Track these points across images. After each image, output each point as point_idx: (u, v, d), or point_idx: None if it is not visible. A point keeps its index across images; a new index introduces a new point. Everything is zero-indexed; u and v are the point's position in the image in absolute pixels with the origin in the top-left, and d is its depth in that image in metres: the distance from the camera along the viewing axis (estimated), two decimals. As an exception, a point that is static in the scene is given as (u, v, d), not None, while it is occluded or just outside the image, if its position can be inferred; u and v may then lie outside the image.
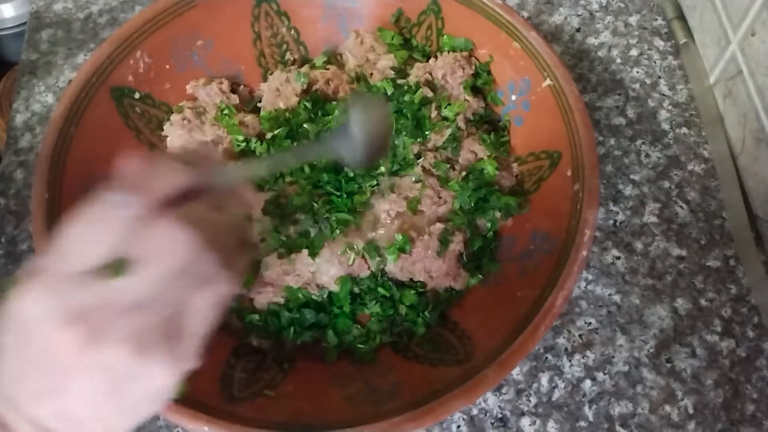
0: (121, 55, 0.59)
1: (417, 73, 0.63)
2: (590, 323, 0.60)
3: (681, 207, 0.66)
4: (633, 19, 0.78)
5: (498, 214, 0.58)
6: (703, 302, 0.61)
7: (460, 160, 0.61)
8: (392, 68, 0.64)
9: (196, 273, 0.33)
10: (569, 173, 0.53)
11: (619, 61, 0.75)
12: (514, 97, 0.62)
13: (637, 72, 0.74)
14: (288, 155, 0.48)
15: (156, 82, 0.62)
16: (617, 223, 0.65)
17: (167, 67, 0.63)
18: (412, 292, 0.56)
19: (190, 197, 0.35)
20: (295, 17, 0.67)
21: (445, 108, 0.61)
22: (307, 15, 0.67)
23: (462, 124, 0.61)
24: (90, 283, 0.31)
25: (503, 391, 0.57)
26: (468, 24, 0.63)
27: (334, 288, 0.56)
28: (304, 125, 0.61)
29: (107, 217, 0.32)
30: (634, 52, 0.76)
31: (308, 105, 0.62)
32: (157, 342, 0.32)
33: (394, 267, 0.56)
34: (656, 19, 0.78)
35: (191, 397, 0.46)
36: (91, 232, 0.32)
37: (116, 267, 0.31)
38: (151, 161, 0.35)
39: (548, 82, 0.57)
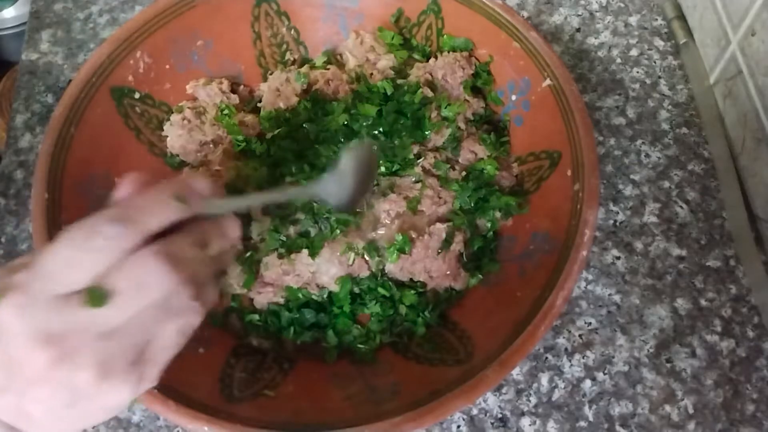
0: (121, 55, 0.59)
1: (417, 73, 0.63)
2: (590, 323, 0.60)
3: (681, 207, 0.66)
4: (633, 19, 0.78)
5: (498, 214, 0.58)
6: (703, 302, 0.61)
7: (460, 160, 0.61)
8: (392, 68, 0.64)
9: (171, 305, 0.35)
10: (569, 173, 0.53)
11: (619, 61, 0.75)
12: (514, 97, 0.62)
13: (637, 72, 0.74)
14: (276, 194, 0.50)
15: (156, 82, 0.62)
16: (617, 223, 0.65)
17: (167, 67, 0.63)
18: (412, 292, 0.56)
19: (175, 227, 0.36)
20: (295, 17, 0.67)
21: (445, 108, 0.61)
22: (307, 15, 0.67)
23: (462, 124, 0.61)
24: (68, 308, 0.32)
25: (503, 391, 0.57)
26: (468, 24, 0.63)
27: (334, 288, 0.56)
28: (304, 125, 0.61)
29: (94, 245, 0.33)
30: (634, 52, 0.76)
31: (308, 105, 0.62)
32: (122, 368, 0.34)
33: (394, 267, 0.56)
34: (656, 19, 0.78)
35: (191, 397, 0.46)
36: (77, 257, 0.33)
37: (96, 295, 0.32)
38: (146, 191, 0.37)
39: (548, 82, 0.57)
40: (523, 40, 0.59)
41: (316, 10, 0.67)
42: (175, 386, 0.46)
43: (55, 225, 0.51)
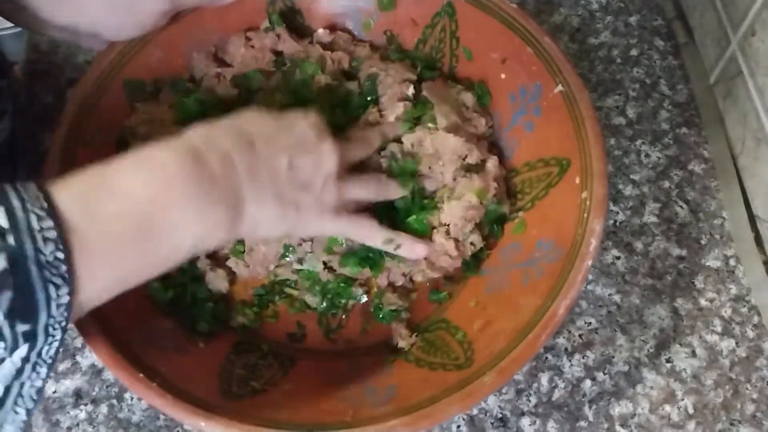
0: (134, 49, 0.59)
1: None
2: (590, 323, 0.60)
3: (681, 207, 0.66)
4: (633, 19, 0.78)
5: None
6: (703, 302, 0.61)
7: None
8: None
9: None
10: (577, 181, 0.52)
11: (619, 61, 0.75)
12: (525, 102, 0.61)
13: (637, 72, 0.74)
14: None
15: (169, 76, 0.62)
16: (617, 223, 0.65)
17: (180, 61, 0.62)
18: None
19: None
20: (309, 14, 0.66)
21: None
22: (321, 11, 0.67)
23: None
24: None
25: (503, 391, 0.57)
26: (482, 27, 0.62)
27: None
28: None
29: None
30: (634, 52, 0.76)
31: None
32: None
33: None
34: (656, 19, 0.78)
35: (189, 391, 0.45)
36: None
37: None
38: None
39: (560, 88, 0.56)
40: (536, 45, 0.58)
41: (330, 6, 0.66)
42: (174, 381, 0.46)
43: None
